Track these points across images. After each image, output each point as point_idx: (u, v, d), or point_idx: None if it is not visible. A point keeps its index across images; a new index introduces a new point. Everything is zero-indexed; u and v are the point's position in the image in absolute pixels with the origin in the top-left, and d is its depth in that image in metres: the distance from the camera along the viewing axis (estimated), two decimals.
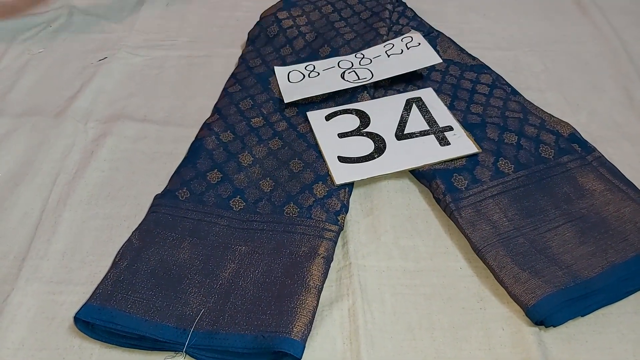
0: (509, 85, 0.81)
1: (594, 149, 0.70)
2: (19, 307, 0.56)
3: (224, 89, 0.82)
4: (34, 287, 0.58)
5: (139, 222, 0.64)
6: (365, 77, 0.79)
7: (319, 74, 0.82)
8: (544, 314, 0.53)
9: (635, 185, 0.66)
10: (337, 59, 0.85)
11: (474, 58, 0.86)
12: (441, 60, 0.81)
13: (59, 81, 0.86)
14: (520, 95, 0.79)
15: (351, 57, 0.85)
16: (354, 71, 0.81)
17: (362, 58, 0.84)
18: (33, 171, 0.71)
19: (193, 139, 0.74)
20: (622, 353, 0.53)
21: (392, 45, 0.85)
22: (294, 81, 0.81)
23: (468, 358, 0.53)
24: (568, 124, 0.73)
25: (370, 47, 0.87)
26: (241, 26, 0.97)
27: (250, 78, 0.83)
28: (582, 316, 0.55)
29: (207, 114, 0.79)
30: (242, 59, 0.88)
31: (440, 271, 0.60)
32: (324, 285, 0.57)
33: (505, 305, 0.57)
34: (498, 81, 0.81)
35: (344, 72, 0.81)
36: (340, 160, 0.69)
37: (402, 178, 0.70)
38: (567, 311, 0.54)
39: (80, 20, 1.00)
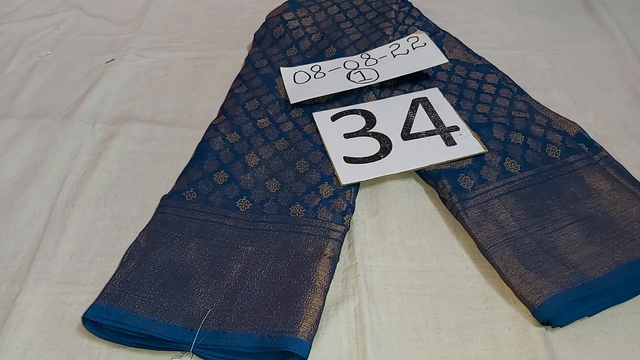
0: (515, 85, 0.81)
1: (601, 149, 0.70)
2: (27, 307, 0.57)
3: (230, 90, 0.83)
4: (43, 288, 0.59)
5: (147, 222, 0.64)
6: (371, 78, 0.79)
7: (324, 74, 0.82)
8: (550, 314, 0.53)
9: None
10: (343, 59, 0.85)
11: (480, 58, 0.86)
12: (447, 60, 0.81)
13: (67, 83, 0.87)
14: (527, 94, 0.79)
15: (357, 57, 0.85)
16: (360, 72, 0.81)
17: (368, 58, 0.84)
18: (41, 172, 0.72)
19: (200, 139, 0.74)
20: (629, 353, 0.53)
21: (397, 46, 0.85)
22: (299, 82, 0.81)
23: (474, 358, 0.53)
24: (575, 124, 0.73)
25: (376, 47, 0.87)
26: (247, 27, 0.98)
27: (256, 79, 0.84)
28: (589, 316, 0.55)
29: (214, 115, 0.79)
30: (248, 60, 0.89)
31: (447, 271, 0.60)
32: (330, 286, 0.58)
33: (511, 305, 0.56)
34: (504, 81, 0.81)
35: (350, 72, 0.81)
36: (346, 161, 0.70)
37: (408, 178, 0.70)
38: (574, 311, 0.54)
39: (87, 23, 1.01)
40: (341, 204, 0.64)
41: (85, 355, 0.53)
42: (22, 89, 0.86)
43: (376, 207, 0.66)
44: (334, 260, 0.59)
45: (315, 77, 0.82)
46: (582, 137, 0.71)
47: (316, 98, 0.79)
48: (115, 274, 0.58)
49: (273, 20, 0.94)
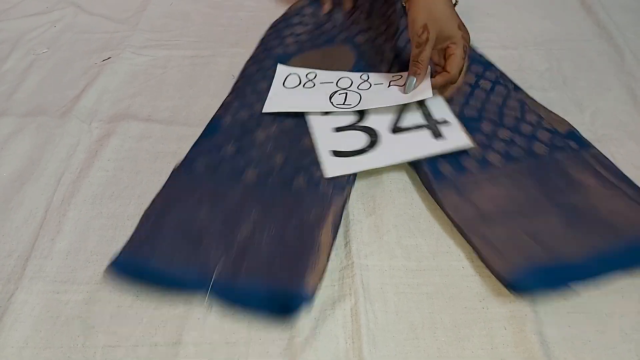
0: (512, 82, 0.81)
1: (592, 146, 0.70)
2: (23, 306, 0.57)
3: (242, 70, 0.86)
4: (38, 286, 0.59)
5: None
6: (350, 104, 0.77)
7: (314, 85, 0.81)
8: (521, 285, 0.55)
9: (633, 181, 0.66)
10: (340, 74, 0.83)
11: (480, 55, 0.86)
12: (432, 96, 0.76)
13: (64, 81, 0.87)
14: (522, 92, 0.79)
15: (356, 75, 0.83)
16: (346, 93, 0.79)
17: (365, 81, 0.82)
18: (38, 171, 0.71)
19: (197, 138, 0.74)
20: (625, 353, 0.53)
21: (399, 77, 0.82)
22: (288, 87, 0.81)
23: (470, 357, 0.53)
24: (566, 122, 0.73)
25: (381, 43, 0.87)
26: (245, 26, 0.98)
27: (267, 60, 0.86)
28: (559, 291, 0.56)
29: (212, 113, 0.79)
30: (262, 40, 0.92)
31: (443, 270, 0.60)
32: (326, 285, 0.58)
33: (507, 304, 0.57)
34: (501, 78, 0.81)
35: (336, 92, 0.80)
36: (333, 154, 0.71)
37: (405, 177, 0.70)
38: (543, 282, 0.56)
39: (84, 20, 1.01)
40: (342, 177, 0.67)
41: (81, 354, 0.53)
42: (19, 86, 0.85)
43: (373, 207, 0.66)
44: (336, 226, 0.62)
45: (304, 86, 0.81)
46: (573, 134, 0.72)
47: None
48: (133, 234, 0.62)
49: (293, 8, 0.98)
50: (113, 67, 0.88)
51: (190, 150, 0.72)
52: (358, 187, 0.69)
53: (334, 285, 0.59)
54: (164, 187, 0.67)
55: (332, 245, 0.60)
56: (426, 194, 0.68)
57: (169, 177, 0.69)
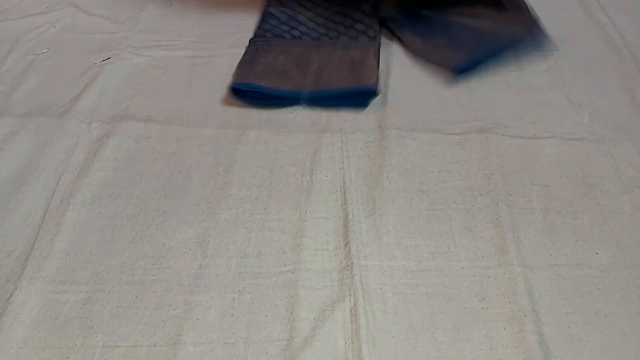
0: None
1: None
2: (22, 306, 0.57)
3: None
4: (38, 286, 0.59)
5: (142, 221, 0.65)
6: None
7: None
8: (461, 69, 0.84)
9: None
10: None
11: None
12: None
13: (63, 81, 0.87)
14: None
15: None
16: None
17: None
18: (37, 171, 0.71)
19: (196, 138, 0.75)
20: (624, 353, 0.53)
21: None
22: None
23: (470, 358, 0.53)
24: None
25: None
26: (244, 26, 0.97)
27: None
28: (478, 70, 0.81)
29: (211, 113, 0.79)
30: None
31: (443, 271, 0.60)
32: (325, 285, 0.59)
33: (507, 305, 0.57)
34: None
35: None
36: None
37: (404, 177, 0.70)
38: (470, 67, 0.85)
39: (83, 21, 1.01)
40: (372, 31, 0.92)
41: (80, 354, 0.53)
42: (18, 87, 0.85)
43: (372, 207, 0.67)
44: (377, 56, 0.87)
45: None
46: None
47: None
48: (234, 73, 0.85)
49: None
50: (112, 68, 0.88)
51: (255, 30, 0.95)
52: (358, 187, 0.69)
53: (334, 286, 0.59)
54: (245, 52, 0.90)
55: (377, 66, 0.85)
56: (426, 194, 0.68)
57: (247, 45, 0.91)
